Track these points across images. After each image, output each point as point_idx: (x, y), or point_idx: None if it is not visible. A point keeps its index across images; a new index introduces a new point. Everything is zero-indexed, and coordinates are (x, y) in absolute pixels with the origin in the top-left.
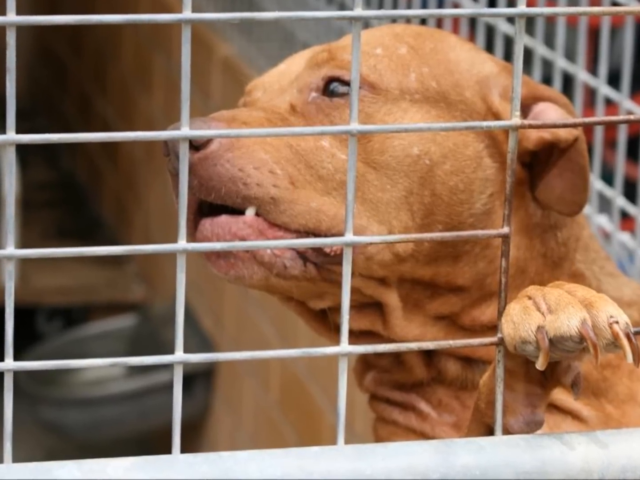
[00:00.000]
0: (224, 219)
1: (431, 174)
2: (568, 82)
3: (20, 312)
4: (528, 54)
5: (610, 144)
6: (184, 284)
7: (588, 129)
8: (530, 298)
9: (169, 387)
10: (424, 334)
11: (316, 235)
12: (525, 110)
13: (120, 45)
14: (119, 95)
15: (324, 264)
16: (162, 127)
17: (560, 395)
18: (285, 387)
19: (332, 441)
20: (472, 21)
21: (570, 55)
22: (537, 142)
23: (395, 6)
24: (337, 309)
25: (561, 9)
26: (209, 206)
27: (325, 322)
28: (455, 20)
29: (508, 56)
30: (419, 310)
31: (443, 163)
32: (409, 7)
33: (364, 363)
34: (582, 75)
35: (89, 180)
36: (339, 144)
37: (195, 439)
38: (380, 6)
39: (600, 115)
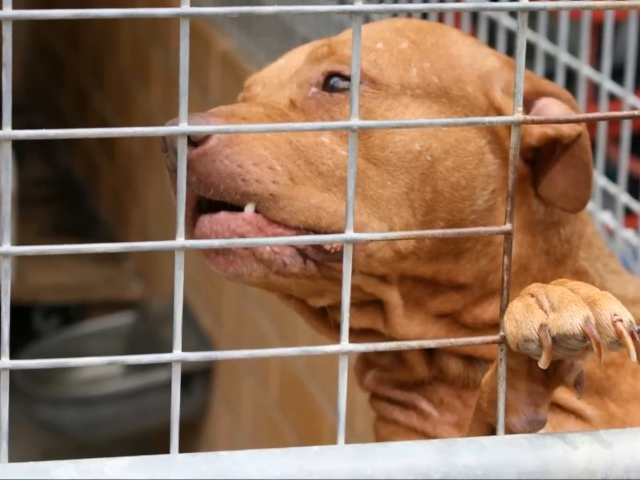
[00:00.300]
0: (222, 215)
1: (432, 170)
2: (571, 77)
3: (17, 310)
4: (530, 48)
5: (613, 139)
6: (182, 282)
7: (591, 124)
8: (532, 296)
9: (167, 385)
10: (425, 332)
11: (316, 232)
12: (527, 106)
13: (118, 39)
14: (116, 91)
15: (324, 261)
16: (160, 122)
17: (563, 394)
18: (285, 386)
19: (332, 441)
20: (474, 15)
21: (573, 50)
22: (539, 138)
23: (396, 0)
24: (337, 306)
25: (564, 3)
26: (208, 203)
27: (325, 320)
28: (457, 14)
29: (510, 51)
30: (420, 308)
31: (445, 159)
32: (410, 1)
33: (365, 362)
34: (585, 70)
35: (86, 176)
36: (339, 140)
37: (193, 439)
38: (381, 0)
39: (603, 110)
